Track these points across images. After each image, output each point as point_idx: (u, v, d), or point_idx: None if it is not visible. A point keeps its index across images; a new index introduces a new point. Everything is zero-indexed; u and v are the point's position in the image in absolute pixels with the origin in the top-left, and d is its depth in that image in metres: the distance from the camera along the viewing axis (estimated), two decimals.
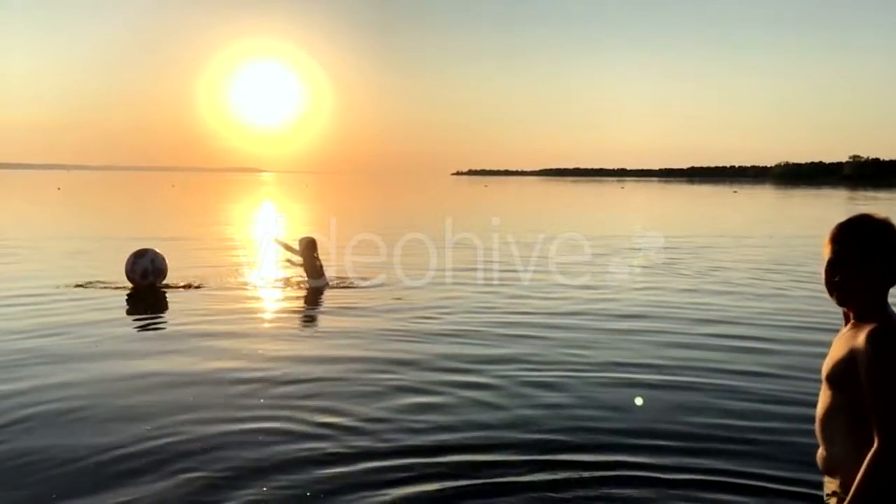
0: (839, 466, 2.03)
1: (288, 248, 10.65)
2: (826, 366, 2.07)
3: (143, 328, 7.66)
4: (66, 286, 9.60)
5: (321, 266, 10.41)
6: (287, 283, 10.50)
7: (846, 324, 2.10)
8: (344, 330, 7.55)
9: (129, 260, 9.56)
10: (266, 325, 8.02)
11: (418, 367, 6.05)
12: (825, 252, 2.09)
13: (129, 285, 9.53)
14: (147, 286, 9.50)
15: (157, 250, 9.88)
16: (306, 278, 10.32)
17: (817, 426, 2.10)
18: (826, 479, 2.12)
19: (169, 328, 7.64)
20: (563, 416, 4.95)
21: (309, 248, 10.40)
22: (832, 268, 2.06)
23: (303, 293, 9.86)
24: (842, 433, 2.01)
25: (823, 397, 2.07)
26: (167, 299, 9.14)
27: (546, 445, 4.43)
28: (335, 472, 4.00)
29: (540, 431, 4.66)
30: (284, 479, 3.91)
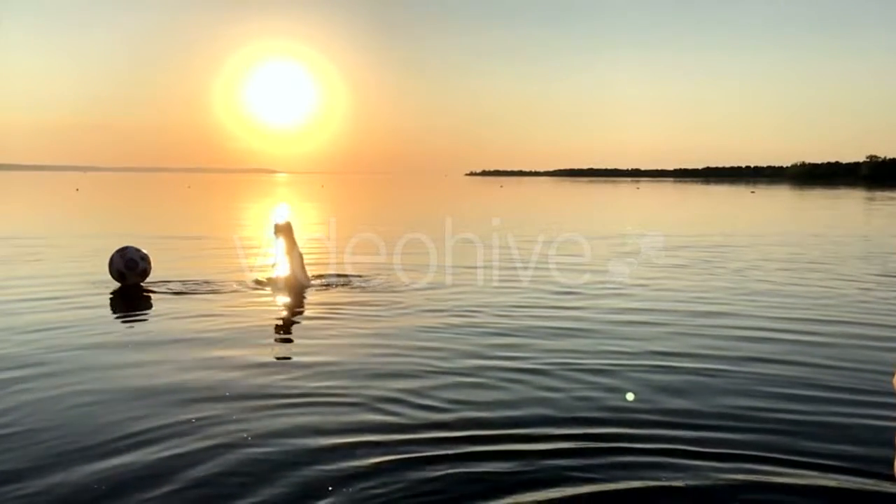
0: None
1: (270, 279, 9.83)
2: None
3: (162, 325, 7.71)
4: (92, 283, 9.71)
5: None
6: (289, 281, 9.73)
7: None
8: (371, 326, 7.58)
9: None
10: (286, 322, 8.06)
11: (451, 355, 6.10)
12: None
13: (145, 284, 9.67)
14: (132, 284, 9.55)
15: (116, 254, 9.58)
16: (288, 274, 9.52)
17: None
18: None
19: (187, 325, 7.61)
20: (608, 400, 5.04)
21: (291, 234, 9.73)
22: None
23: (311, 293, 9.37)
24: None
25: None
26: (183, 298, 9.00)
27: (588, 425, 4.53)
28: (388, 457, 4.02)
29: (582, 411, 4.74)
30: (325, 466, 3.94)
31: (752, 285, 10.54)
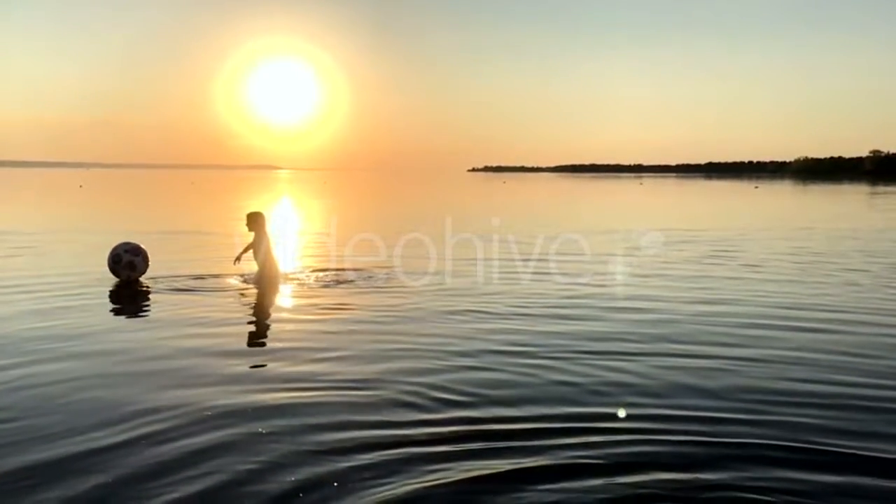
0: None
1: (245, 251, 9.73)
2: None
3: (172, 320, 7.67)
4: (99, 280, 9.66)
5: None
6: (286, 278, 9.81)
7: None
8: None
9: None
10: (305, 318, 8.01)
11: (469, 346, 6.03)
12: None
13: (143, 281, 9.60)
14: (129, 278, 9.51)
15: (115, 248, 9.61)
16: (265, 269, 9.35)
17: None
18: None
19: (186, 321, 7.49)
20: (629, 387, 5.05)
21: (263, 225, 9.41)
22: None
23: (314, 290, 9.26)
24: None
25: None
26: (184, 294, 8.89)
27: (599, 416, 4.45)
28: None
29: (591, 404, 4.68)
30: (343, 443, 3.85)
31: (764, 276, 10.54)
